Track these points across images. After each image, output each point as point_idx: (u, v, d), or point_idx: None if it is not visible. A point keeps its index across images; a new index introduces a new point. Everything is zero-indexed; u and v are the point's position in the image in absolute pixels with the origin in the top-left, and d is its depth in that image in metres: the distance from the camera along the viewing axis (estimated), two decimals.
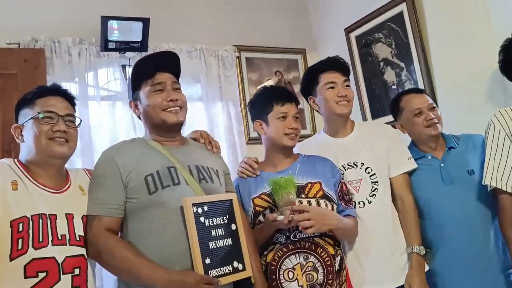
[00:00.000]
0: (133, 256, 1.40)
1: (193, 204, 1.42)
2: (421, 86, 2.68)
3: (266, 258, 1.67)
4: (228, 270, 1.43)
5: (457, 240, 1.84)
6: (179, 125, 1.63)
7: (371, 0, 3.01)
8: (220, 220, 1.48)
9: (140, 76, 1.62)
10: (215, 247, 1.43)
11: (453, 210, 1.86)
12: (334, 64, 1.98)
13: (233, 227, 1.51)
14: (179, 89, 1.65)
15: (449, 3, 2.54)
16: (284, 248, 1.64)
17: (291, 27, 3.60)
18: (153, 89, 1.59)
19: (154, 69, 1.61)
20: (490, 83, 2.30)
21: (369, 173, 1.89)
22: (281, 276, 1.62)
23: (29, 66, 2.56)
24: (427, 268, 1.85)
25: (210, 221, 1.45)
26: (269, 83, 3.31)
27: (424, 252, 1.84)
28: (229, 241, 1.47)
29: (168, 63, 1.65)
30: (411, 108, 2.01)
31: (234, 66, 3.23)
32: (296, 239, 1.64)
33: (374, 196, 1.88)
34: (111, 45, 2.74)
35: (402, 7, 2.78)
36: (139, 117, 1.70)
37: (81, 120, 1.60)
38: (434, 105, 2.04)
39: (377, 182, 1.89)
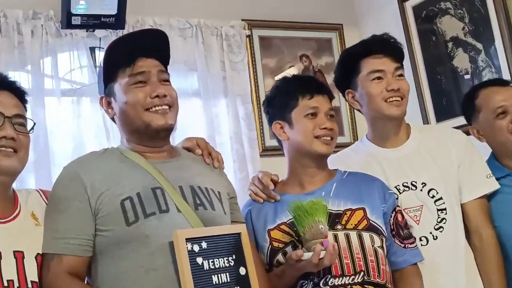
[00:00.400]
0: None
1: (187, 240, 1.40)
2: (506, 75, 2.67)
3: None
4: None
5: None
6: (168, 130, 1.61)
7: None
8: (224, 262, 1.45)
9: (116, 63, 1.60)
10: None
11: None
12: (382, 45, 1.95)
13: (242, 271, 1.48)
14: (168, 80, 1.63)
15: None
16: None
17: None
18: (133, 80, 1.56)
19: (134, 53, 1.59)
20: None
21: (433, 196, 1.89)
22: None
23: None
24: None
25: (211, 263, 1.43)
26: (292, 71, 3.31)
27: None
28: None
29: (154, 45, 1.63)
30: (492, 106, 2.02)
31: (243, 49, 3.25)
32: (328, 287, 1.63)
33: (442, 229, 1.87)
34: (76, 21, 2.76)
35: None
36: (113, 119, 1.68)
37: (34, 123, 1.58)
38: None
39: (445, 210, 1.88)
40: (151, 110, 1.54)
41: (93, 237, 1.47)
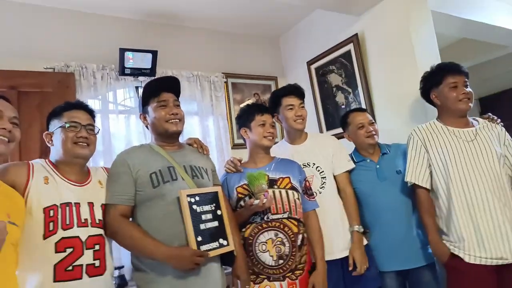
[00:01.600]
0: (140, 235, 1.40)
1: (187, 195, 1.43)
2: (363, 106, 2.72)
3: (244, 233, 1.67)
4: (216, 245, 1.44)
5: (388, 224, 1.90)
6: (178, 133, 1.62)
7: (327, 40, 3.06)
8: (208, 207, 1.49)
9: (149, 94, 1.61)
10: (205, 227, 1.44)
11: (385, 201, 1.91)
12: (293, 90, 1.99)
13: (219, 212, 1.51)
14: (179, 105, 1.64)
15: (384, 44, 2.61)
16: (259, 226, 1.65)
17: (266, 60, 3.61)
18: (159, 104, 1.58)
19: (160, 89, 1.60)
20: (415, 104, 2.37)
21: (319, 171, 1.93)
22: (257, 248, 1.63)
23: (62, 86, 2.52)
24: (365, 242, 1.88)
25: (201, 208, 1.45)
26: (249, 102, 3.31)
27: (363, 230, 1.87)
28: (215, 223, 1.48)
29: (171, 85, 1.64)
30: (355, 123, 2.05)
31: (222, 89, 3.22)
32: (269, 219, 1.65)
33: (323, 187, 1.92)
34: (127, 71, 2.72)
35: (350, 46, 2.82)
36: (147, 127, 1.68)
37: (99, 129, 1.56)
38: (373, 121, 2.09)
39: (325, 177, 1.93)
40: (169, 122, 1.57)
41: (134, 195, 1.48)
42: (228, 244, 1.48)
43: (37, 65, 2.51)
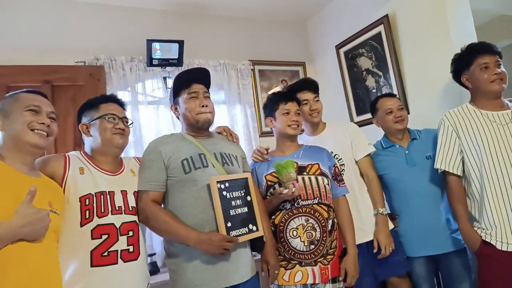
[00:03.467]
0: (172, 221, 1.43)
1: (218, 182, 1.45)
2: (395, 90, 2.66)
3: (274, 220, 1.69)
4: (245, 231, 1.46)
5: (417, 209, 1.89)
6: (208, 123, 1.64)
7: (356, 23, 2.98)
8: (238, 193, 1.50)
9: (180, 86, 1.64)
10: (234, 213, 1.46)
11: (414, 186, 1.91)
12: (306, 85, 2.01)
13: (248, 198, 1.53)
14: (209, 97, 1.67)
15: (417, 24, 2.51)
16: (289, 213, 1.66)
17: (294, 45, 3.58)
18: (190, 96, 1.61)
19: (190, 81, 1.63)
20: (450, 88, 2.28)
21: (337, 158, 1.95)
22: (288, 234, 1.65)
23: (93, 79, 2.60)
24: (391, 226, 1.90)
25: (231, 194, 1.47)
26: (277, 89, 3.31)
27: (387, 212, 1.89)
28: (245, 209, 1.50)
29: (201, 76, 1.66)
30: (384, 108, 2.03)
31: (249, 77, 3.22)
32: (299, 205, 1.66)
33: (343, 174, 1.92)
34: (155, 62, 2.75)
35: (380, 28, 2.74)
36: (178, 118, 1.71)
37: (132, 122, 1.61)
38: (402, 106, 2.05)
39: (343, 164, 1.96)
40: (199, 114, 1.60)
41: (165, 181, 1.52)
42: (257, 230, 1.50)
43: (69, 59, 2.60)
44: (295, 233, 1.64)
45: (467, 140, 1.69)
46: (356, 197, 1.91)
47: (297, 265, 1.63)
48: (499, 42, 3.35)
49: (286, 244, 1.65)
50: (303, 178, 1.70)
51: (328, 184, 1.74)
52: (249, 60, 3.25)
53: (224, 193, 1.46)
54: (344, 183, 1.83)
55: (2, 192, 1.11)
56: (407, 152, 1.97)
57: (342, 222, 1.76)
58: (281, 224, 1.67)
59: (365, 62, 2.96)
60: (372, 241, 1.86)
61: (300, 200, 1.66)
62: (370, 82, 2.94)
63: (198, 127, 1.62)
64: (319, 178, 1.72)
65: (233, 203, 1.47)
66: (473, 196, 1.69)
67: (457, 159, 1.71)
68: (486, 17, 3.57)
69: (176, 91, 1.66)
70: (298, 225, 1.64)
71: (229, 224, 1.42)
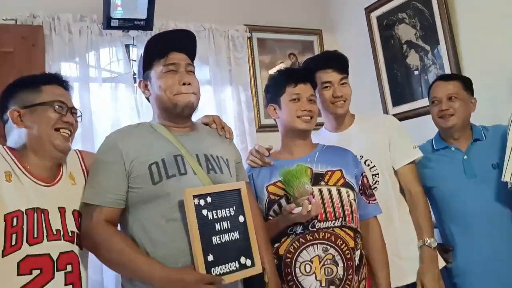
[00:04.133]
0: (130, 251, 1.38)
1: (195, 196, 1.37)
2: (447, 71, 2.63)
3: (279, 250, 1.64)
4: (235, 267, 1.39)
5: (481, 239, 1.85)
6: (191, 109, 1.58)
7: None
8: (225, 212, 1.43)
9: (153, 55, 1.58)
10: (219, 242, 1.39)
11: (475, 206, 1.86)
12: (330, 61, 1.96)
13: (241, 219, 1.45)
14: (193, 72, 1.61)
15: None
16: (301, 239, 1.61)
17: (307, 6, 3.55)
18: (166, 69, 1.54)
19: (168, 48, 1.56)
20: None
21: (368, 165, 1.90)
22: (297, 269, 1.59)
23: (27, 44, 2.54)
24: (442, 264, 1.86)
25: (214, 214, 1.40)
26: (282, 66, 3.26)
27: (436, 243, 1.83)
28: (236, 235, 1.42)
29: (184, 42, 1.60)
30: (431, 97, 2.02)
31: (245, 48, 3.20)
32: (315, 229, 1.61)
33: (376, 189, 1.87)
34: (114, 23, 2.69)
35: None
36: (147, 99, 1.66)
37: (81, 114, 1.58)
38: (455, 95, 1.97)
39: (377, 174, 1.90)
40: (179, 94, 1.53)
41: (126, 193, 1.46)
42: (253, 265, 1.42)
43: None
44: (308, 268, 1.58)
45: None
46: (392, 220, 1.87)
47: None
48: None
49: (294, 285, 1.59)
50: (320, 190, 1.66)
51: (355, 200, 1.69)
52: (245, 25, 3.22)
53: (205, 212, 1.38)
54: (375, 200, 1.78)
55: None
56: (465, 157, 1.93)
57: (373, 254, 1.72)
58: (288, 255, 1.61)
59: (406, 32, 2.94)
60: (413, 284, 1.80)
61: (316, 221, 1.61)
62: (413, 59, 2.91)
63: (176, 114, 1.56)
64: (343, 190, 1.67)
65: (217, 226, 1.39)
66: None
67: None
68: None
69: (148, 62, 1.59)
70: (313, 257, 1.58)
71: (210, 258, 1.35)
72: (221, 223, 1.41)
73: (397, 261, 1.80)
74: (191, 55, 1.64)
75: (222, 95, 3.08)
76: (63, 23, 2.67)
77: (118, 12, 2.66)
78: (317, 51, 3.48)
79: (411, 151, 1.92)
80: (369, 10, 3.16)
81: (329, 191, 1.66)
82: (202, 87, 2.86)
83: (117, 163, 1.46)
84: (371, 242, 1.73)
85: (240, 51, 3.16)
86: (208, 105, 2.99)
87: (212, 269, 1.34)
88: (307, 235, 1.60)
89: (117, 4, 2.65)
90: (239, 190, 1.48)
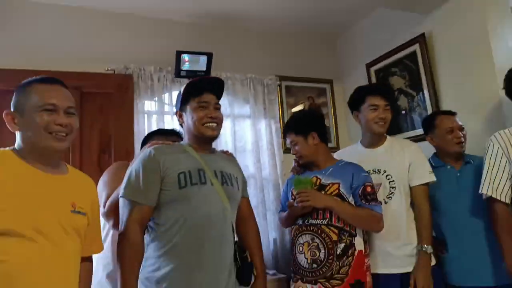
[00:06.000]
0: (130, 269, 1.30)
1: None
2: (429, 110, 2.58)
3: (292, 232, 1.80)
4: None
5: (469, 236, 1.81)
6: (214, 138, 1.54)
7: (389, 41, 2.92)
8: None
9: (190, 93, 1.52)
10: None
11: (465, 212, 1.83)
12: (380, 89, 1.91)
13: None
14: (219, 109, 1.56)
15: (456, 43, 2.43)
16: (300, 228, 1.73)
17: (322, 62, 3.54)
18: (199, 105, 1.50)
19: (202, 89, 1.52)
20: (490, 110, 2.18)
21: (388, 179, 1.82)
22: (296, 248, 1.73)
23: (122, 88, 2.62)
24: (433, 262, 1.77)
25: None
26: (299, 107, 3.28)
27: (432, 250, 1.74)
28: None
29: (214, 86, 1.56)
30: (444, 126, 1.94)
31: (276, 92, 3.19)
32: (308, 223, 1.70)
33: (391, 198, 1.80)
34: (183, 73, 2.75)
35: (416, 47, 2.67)
36: (181, 125, 1.60)
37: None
38: (463, 126, 1.96)
39: (394, 187, 1.80)
40: (205, 125, 1.49)
41: (158, 195, 1.39)
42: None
43: (99, 67, 2.64)
44: (301, 248, 1.70)
45: None
46: (401, 227, 1.79)
47: (299, 280, 1.69)
48: None
49: (294, 258, 1.73)
50: None
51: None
52: (276, 75, 3.22)
53: None
54: (376, 203, 1.68)
55: (19, 195, 1.03)
56: (458, 174, 1.90)
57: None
58: (293, 237, 1.76)
59: (397, 82, 2.88)
60: (406, 275, 1.72)
61: (310, 218, 1.70)
62: (402, 102, 2.85)
63: (202, 140, 1.52)
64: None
65: None
66: None
67: (506, 185, 1.59)
68: None
69: (186, 98, 1.54)
70: (304, 242, 1.69)
71: None
72: None
73: (395, 253, 1.76)
74: (219, 96, 1.58)
75: (259, 126, 3.06)
76: (147, 73, 2.73)
77: (186, 66, 2.72)
78: (329, 96, 3.44)
79: (427, 175, 1.81)
80: (369, 65, 3.12)
81: None
82: (243, 120, 3.02)
83: (155, 171, 1.39)
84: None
85: (272, 94, 3.15)
86: (248, 134, 3.00)
87: None
88: (303, 226, 1.71)
89: (185, 60, 2.72)
90: None
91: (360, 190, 1.68)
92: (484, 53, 2.24)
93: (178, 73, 2.75)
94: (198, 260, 1.35)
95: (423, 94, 2.66)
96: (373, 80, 3.10)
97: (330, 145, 3.24)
